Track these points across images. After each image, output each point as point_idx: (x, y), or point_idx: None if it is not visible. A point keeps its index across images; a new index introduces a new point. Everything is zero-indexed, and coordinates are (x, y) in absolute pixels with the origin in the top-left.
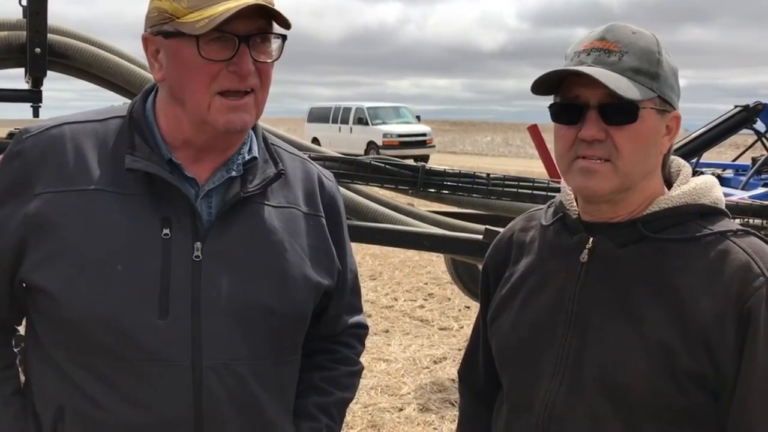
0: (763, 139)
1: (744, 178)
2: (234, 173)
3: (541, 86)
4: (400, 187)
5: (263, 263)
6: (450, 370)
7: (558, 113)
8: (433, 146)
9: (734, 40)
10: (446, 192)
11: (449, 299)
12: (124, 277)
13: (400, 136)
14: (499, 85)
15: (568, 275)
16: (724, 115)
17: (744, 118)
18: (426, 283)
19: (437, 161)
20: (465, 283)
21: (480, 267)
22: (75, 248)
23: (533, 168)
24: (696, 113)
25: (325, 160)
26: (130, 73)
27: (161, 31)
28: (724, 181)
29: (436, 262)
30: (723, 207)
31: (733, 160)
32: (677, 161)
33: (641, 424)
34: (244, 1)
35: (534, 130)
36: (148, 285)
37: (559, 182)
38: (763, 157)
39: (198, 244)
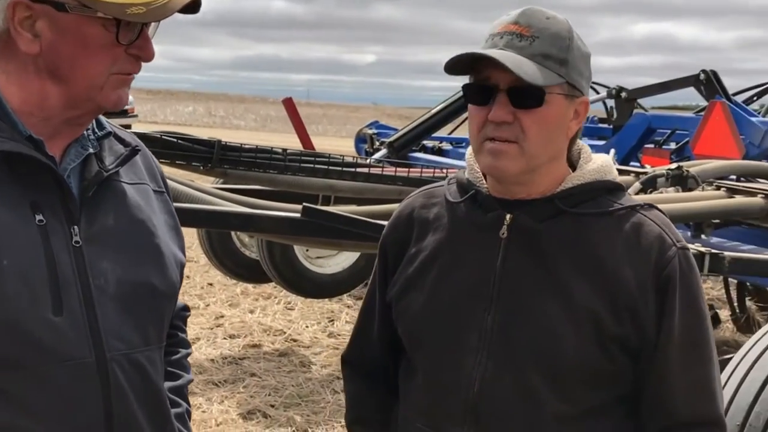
0: None
1: (464, 150)
2: (90, 150)
3: (453, 67)
4: (193, 164)
5: (139, 242)
6: (207, 350)
7: (470, 94)
8: (136, 116)
9: (419, 19)
10: (243, 168)
11: (188, 277)
12: (12, 272)
13: None
14: (195, 54)
15: (487, 251)
16: (458, 93)
17: None
18: None
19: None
20: (221, 260)
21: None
22: None
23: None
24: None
25: None
26: None
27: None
28: (444, 153)
29: None
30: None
31: (449, 134)
32: (577, 142)
33: (571, 391)
34: None
35: (289, 103)
36: (37, 278)
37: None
38: None
39: (75, 228)
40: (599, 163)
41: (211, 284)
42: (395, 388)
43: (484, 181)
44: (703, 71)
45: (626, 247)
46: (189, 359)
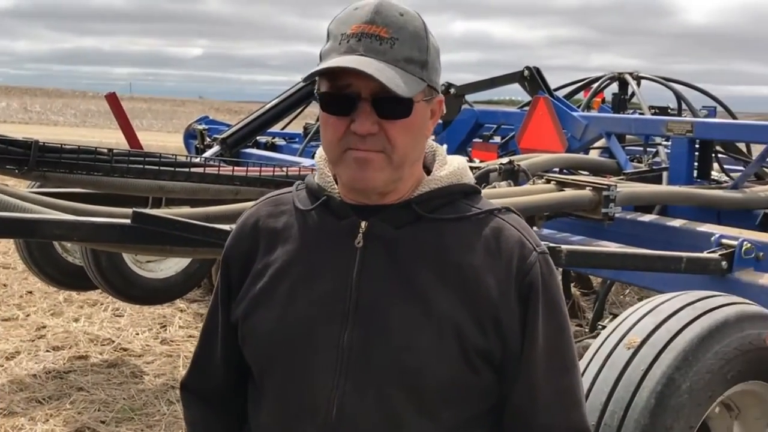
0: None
1: (297, 146)
2: None
3: (312, 75)
4: (7, 167)
5: None
6: (28, 365)
7: (329, 103)
8: None
9: (247, 13)
10: (64, 171)
11: (5, 285)
12: None
13: None
14: (10, 46)
15: (342, 262)
16: (293, 87)
17: (310, 90)
18: None
19: None
20: (41, 268)
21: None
22: None
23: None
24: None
25: None
26: None
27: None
28: (277, 149)
29: None
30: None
31: (282, 129)
32: (429, 142)
33: (435, 409)
34: None
35: (112, 99)
36: None
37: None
38: (313, 125)
39: None
40: (455, 165)
41: (30, 292)
42: (243, 414)
43: (335, 186)
44: (527, 68)
45: (487, 253)
46: (8, 374)
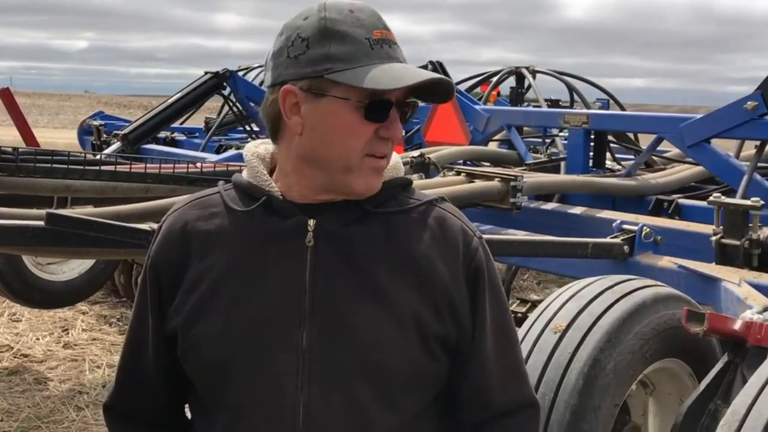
0: (230, 103)
1: (198, 141)
2: None
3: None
4: None
5: None
6: None
7: (371, 111)
8: None
9: (135, 5)
10: None
11: None
12: None
13: None
14: None
15: (293, 262)
16: (197, 81)
17: (215, 84)
18: None
19: None
20: None
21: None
22: None
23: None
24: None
25: None
26: None
27: None
28: (177, 144)
29: None
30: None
31: (181, 123)
32: None
33: (400, 400)
34: None
35: (6, 94)
36: None
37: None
38: (215, 120)
39: None
40: (394, 160)
41: None
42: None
43: (274, 185)
44: (431, 62)
45: (434, 242)
46: None
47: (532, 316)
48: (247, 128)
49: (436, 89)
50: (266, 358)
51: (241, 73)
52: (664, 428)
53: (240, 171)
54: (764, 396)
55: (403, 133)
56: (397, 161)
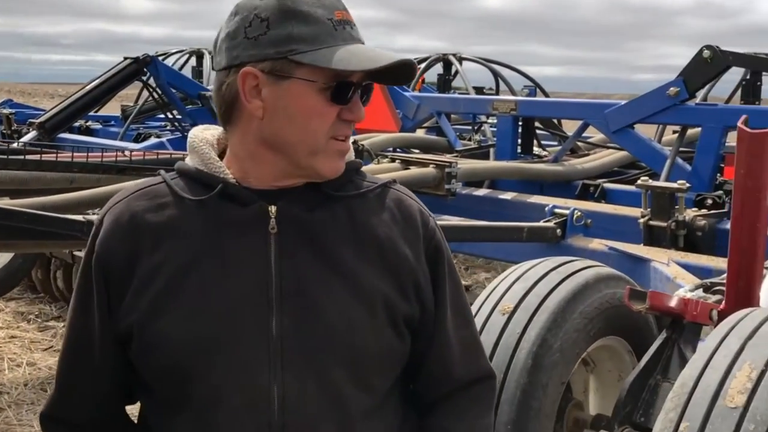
0: (150, 89)
1: (116, 129)
2: None
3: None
4: None
5: None
6: None
7: (338, 93)
8: None
9: None
10: None
11: None
12: None
13: None
14: None
15: (257, 250)
16: (116, 67)
17: (135, 70)
18: None
19: None
20: None
21: None
22: None
23: None
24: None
25: None
26: None
27: None
28: (92, 133)
29: None
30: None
31: (95, 111)
32: None
33: (372, 381)
34: None
35: None
36: None
37: None
38: (134, 107)
39: None
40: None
41: None
42: None
43: (228, 172)
44: None
45: (395, 223)
46: None
47: (480, 298)
48: (169, 115)
49: (398, 71)
50: (237, 348)
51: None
52: (604, 404)
53: (183, 159)
54: (710, 369)
55: None
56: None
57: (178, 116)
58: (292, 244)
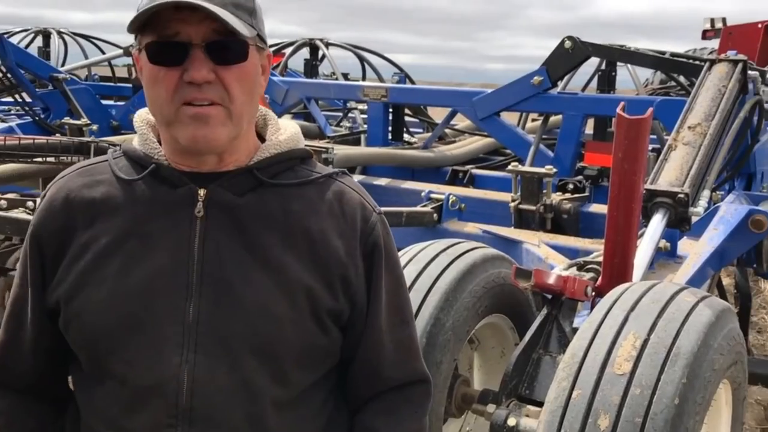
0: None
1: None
2: None
3: (139, 21)
4: None
5: None
6: None
7: (156, 54)
8: None
9: None
10: None
11: None
12: None
13: None
14: None
15: (181, 233)
16: None
17: None
18: None
19: None
20: None
21: None
22: None
23: None
24: None
25: None
26: None
27: None
28: None
29: None
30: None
31: None
32: (259, 107)
33: (289, 373)
34: None
35: None
36: None
37: None
38: None
39: None
40: (293, 130)
41: None
42: (61, 401)
43: (162, 152)
44: None
45: (332, 216)
46: None
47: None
48: (18, 98)
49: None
50: (151, 328)
51: None
52: (488, 380)
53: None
54: (598, 339)
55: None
56: (295, 132)
57: (29, 99)
58: (217, 229)
